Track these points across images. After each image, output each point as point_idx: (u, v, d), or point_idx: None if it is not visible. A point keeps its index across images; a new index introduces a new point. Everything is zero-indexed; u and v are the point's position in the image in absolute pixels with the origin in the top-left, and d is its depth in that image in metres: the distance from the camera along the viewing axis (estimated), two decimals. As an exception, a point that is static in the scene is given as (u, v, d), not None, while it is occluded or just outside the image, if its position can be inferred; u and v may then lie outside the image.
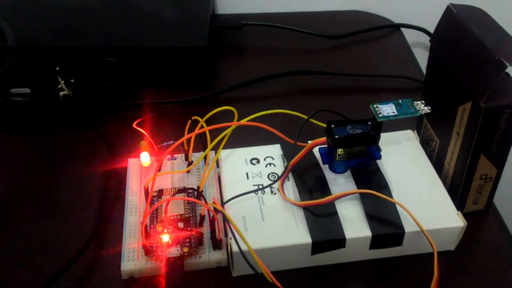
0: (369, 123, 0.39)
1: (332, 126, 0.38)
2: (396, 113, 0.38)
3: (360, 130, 0.38)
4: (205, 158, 0.43)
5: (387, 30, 0.66)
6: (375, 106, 0.39)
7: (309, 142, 0.42)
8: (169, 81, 0.55)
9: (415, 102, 0.39)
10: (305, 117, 0.42)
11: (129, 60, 0.52)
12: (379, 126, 0.39)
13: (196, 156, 0.44)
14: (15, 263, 0.39)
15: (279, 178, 0.41)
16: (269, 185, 0.40)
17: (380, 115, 0.38)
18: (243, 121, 0.42)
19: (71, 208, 0.42)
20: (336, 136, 0.38)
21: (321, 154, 0.41)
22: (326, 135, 0.39)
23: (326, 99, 0.45)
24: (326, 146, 0.40)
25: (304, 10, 0.68)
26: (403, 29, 0.66)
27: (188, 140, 0.43)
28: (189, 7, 0.58)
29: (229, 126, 0.42)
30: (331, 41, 0.62)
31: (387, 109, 0.38)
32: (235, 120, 0.41)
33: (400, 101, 0.39)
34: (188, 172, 0.43)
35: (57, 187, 0.44)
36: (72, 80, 0.48)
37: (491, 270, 0.38)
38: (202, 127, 0.43)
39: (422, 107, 0.39)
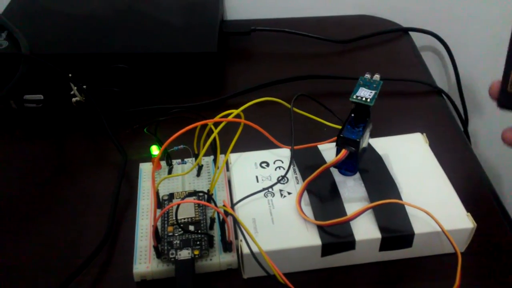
0: (352, 115, 0.40)
1: (341, 135, 0.39)
2: (373, 91, 0.39)
3: (360, 124, 0.39)
4: (214, 162, 0.44)
5: (396, 34, 0.66)
6: (355, 97, 0.39)
7: (322, 152, 0.42)
8: (179, 87, 0.55)
9: (365, 77, 0.40)
10: (289, 106, 0.44)
11: (140, 66, 0.53)
12: (368, 112, 0.39)
13: (206, 160, 0.45)
14: (28, 266, 0.39)
15: (283, 176, 0.41)
16: (274, 184, 0.41)
17: (368, 101, 0.39)
18: (230, 118, 0.40)
19: (83, 212, 0.43)
20: (358, 140, 0.38)
21: (342, 170, 0.41)
22: (339, 146, 0.39)
23: (335, 103, 0.46)
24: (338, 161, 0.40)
25: (312, 15, 0.69)
26: (411, 33, 0.66)
27: (198, 144, 0.44)
28: (199, 13, 0.58)
29: (233, 123, 0.42)
30: (339, 46, 0.63)
31: (365, 93, 0.39)
32: (241, 124, 0.42)
33: (360, 81, 0.40)
34: (198, 175, 0.44)
35: (70, 192, 0.45)
36: (84, 87, 0.49)
37: (501, 272, 0.38)
38: (211, 130, 0.43)
39: (375, 77, 0.40)
